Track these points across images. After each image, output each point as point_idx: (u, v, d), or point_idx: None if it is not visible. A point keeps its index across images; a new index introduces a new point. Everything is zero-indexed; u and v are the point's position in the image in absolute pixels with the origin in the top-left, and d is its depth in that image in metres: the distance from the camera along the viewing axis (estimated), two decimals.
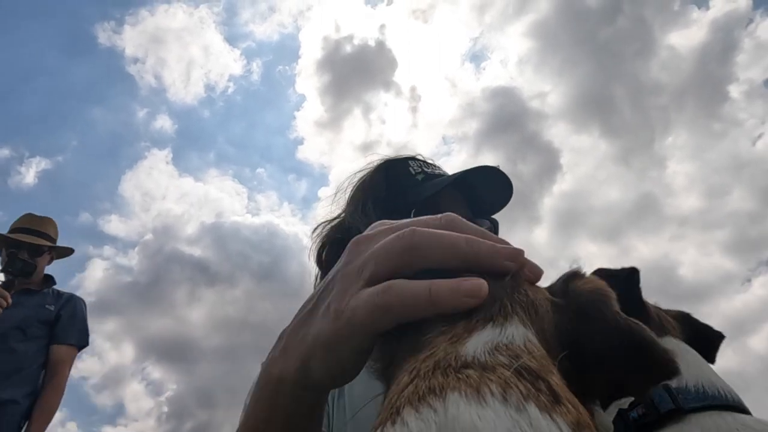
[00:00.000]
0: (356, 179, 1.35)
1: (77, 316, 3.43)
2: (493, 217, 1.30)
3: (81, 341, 3.46)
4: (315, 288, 1.25)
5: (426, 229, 0.55)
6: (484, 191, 1.26)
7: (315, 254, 1.25)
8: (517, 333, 0.54)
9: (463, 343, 0.53)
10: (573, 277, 0.65)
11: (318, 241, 1.27)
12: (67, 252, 3.71)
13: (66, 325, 3.36)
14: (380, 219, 1.16)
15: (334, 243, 1.23)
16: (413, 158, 1.35)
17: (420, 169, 1.29)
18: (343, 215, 1.28)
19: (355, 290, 0.51)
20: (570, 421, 0.43)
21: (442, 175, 1.31)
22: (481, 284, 0.55)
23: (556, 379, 0.48)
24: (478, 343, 0.52)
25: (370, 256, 0.52)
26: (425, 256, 0.54)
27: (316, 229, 1.29)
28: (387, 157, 1.37)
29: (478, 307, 0.58)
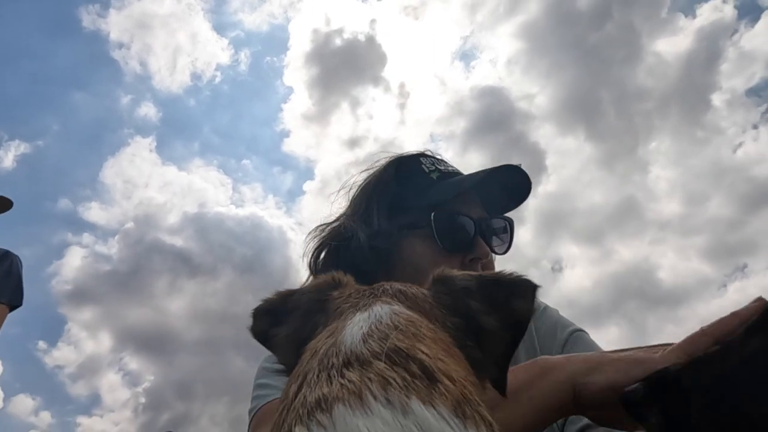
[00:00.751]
0: (362, 178, 1.25)
1: (12, 274, 3.06)
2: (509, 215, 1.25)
3: (13, 300, 3.10)
4: (302, 286, 1.18)
5: None
6: (503, 192, 1.20)
7: (309, 256, 1.21)
8: (382, 311, 0.59)
9: (340, 336, 0.55)
10: (437, 272, 0.71)
11: (314, 243, 1.21)
12: (5, 205, 3.19)
13: None
14: (386, 221, 1.15)
15: (329, 249, 1.18)
16: (424, 155, 1.27)
17: (433, 167, 1.22)
18: (341, 219, 1.22)
19: None
20: (450, 402, 0.47)
21: (456, 173, 1.24)
22: None
23: (425, 349, 0.52)
24: (353, 332, 0.55)
25: None
26: None
27: (314, 230, 1.23)
28: (397, 154, 1.27)
29: (346, 305, 0.64)
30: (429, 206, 1.14)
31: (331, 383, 0.48)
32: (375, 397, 0.45)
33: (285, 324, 0.70)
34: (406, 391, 0.45)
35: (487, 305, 0.64)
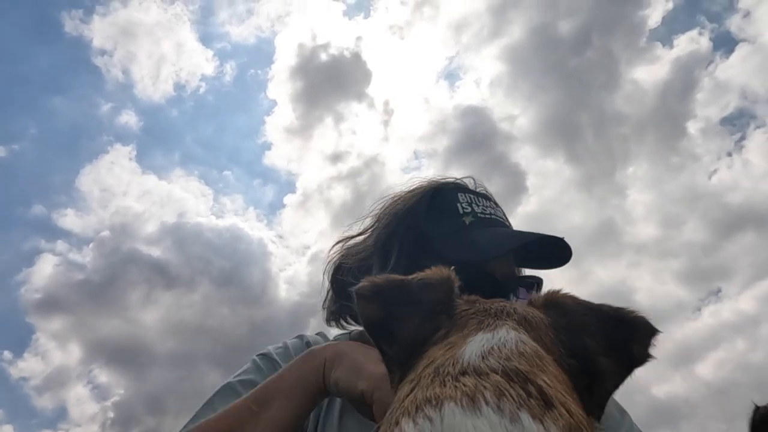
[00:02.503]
0: (390, 202, 1.16)
1: None
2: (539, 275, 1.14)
3: None
4: (324, 302, 1.15)
5: None
6: (540, 260, 1.10)
7: (330, 272, 1.16)
8: (509, 336, 0.58)
9: (460, 349, 0.55)
10: (552, 293, 0.70)
11: (335, 259, 1.16)
12: None
13: None
14: (404, 264, 1.06)
15: (347, 270, 1.11)
16: (464, 189, 1.14)
17: (470, 208, 1.09)
18: (365, 237, 1.15)
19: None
20: (562, 426, 0.46)
21: (492, 219, 1.10)
22: None
23: (547, 380, 0.51)
24: (473, 348, 0.55)
25: None
26: None
27: (338, 243, 1.18)
28: (436, 182, 1.16)
29: (471, 320, 0.63)
30: (451, 260, 0.97)
31: (445, 385, 0.49)
32: (487, 402, 0.45)
33: (405, 319, 0.67)
34: (519, 405, 0.45)
35: (605, 346, 0.62)
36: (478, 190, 1.17)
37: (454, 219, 1.07)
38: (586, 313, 0.65)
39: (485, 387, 0.47)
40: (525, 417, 0.44)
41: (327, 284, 1.17)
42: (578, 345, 0.62)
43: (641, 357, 0.63)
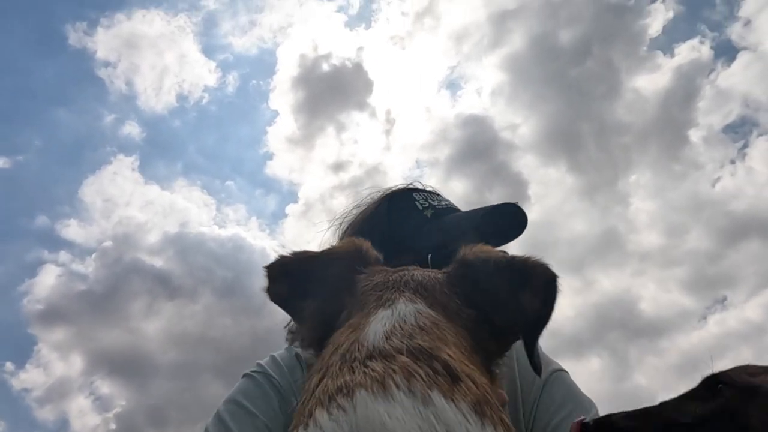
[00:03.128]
0: (353, 215, 1.22)
1: None
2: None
3: None
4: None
5: None
6: (501, 229, 1.17)
7: None
8: (407, 309, 0.59)
9: (363, 332, 0.56)
10: (464, 251, 0.72)
11: None
12: None
13: None
14: (383, 260, 1.06)
15: None
16: (416, 189, 1.23)
17: (427, 203, 1.18)
18: None
19: None
20: (471, 401, 0.47)
21: (450, 208, 1.21)
22: None
23: (450, 352, 0.52)
24: (376, 329, 0.56)
25: None
26: None
27: None
28: (389, 189, 1.24)
29: (370, 296, 0.64)
30: (425, 248, 1.09)
31: (354, 372, 0.49)
32: (398, 386, 0.46)
33: (310, 297, 0.68)
34: (429, 385, 0.46)
35: (501, 299, 0.63)
36: (427, 189, 1.25)
37: (416, 214, 1.16)
38: (484, 264, 0.66)
39: (394, 370, 0.47)
40: (436, 396, 0.46)
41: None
42: (474, 296, 0.64)
43: (532, 309, 0.64)
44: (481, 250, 0.69)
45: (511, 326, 0.64)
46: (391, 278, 0.66)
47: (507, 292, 0.63)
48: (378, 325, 0.55)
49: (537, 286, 0.63)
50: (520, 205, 1.16)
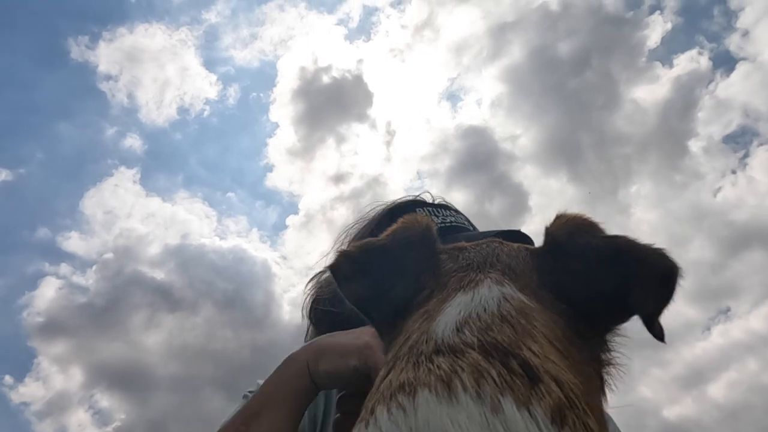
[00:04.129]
0: (354, 229, 1.20)
1: None
2: None
3: None
4: (305, 340, 1.08)
5: None
6: None
7: (307, 308, 1.17)
8: (490, 295, 0.52)
9: (434, 321, 0.50)
10: (553, 222, 0.62)
11: (310, 294, 1.17)
12: None
13: None
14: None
15: (325, 300, 1.12)
16: (422, 203, 1.19)
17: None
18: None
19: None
20: (549, 406, 0.40)
21: (456, 226, 1.15)
22: None
23: (533, 347, 0.45)
24: (448, 318, 0.50)
25: None
26: None
27: (310, 281, 1.19)
28: (392, 203, 1.21)
29: (447, 272, 0.58)
30: None
31: (418, 368, 0.44)
32: (465, 389, 0.40)
33: (392, 288, 0.61)
34: (501, 388, 0.40)
35: (601, 289, 0.54)
36: (436, 201, 1.20)
37: None
38: (582, 250, 0.57)
39: (462, 368, 0.42)
40: (508, 404, 0.40)
41: (306, 321, 1.17)
42: (570, 288, 0.55)
43: (641, 308, 0.54)
44: (578, 225, 0.59)
45: (614, 325, 0.56)
46: (476, 258, 0.60)
47: (611, 286, 0.54)
48: (451, 314, 0.50)
49: (651, 279, 0.53)
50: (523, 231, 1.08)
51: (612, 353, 0.58)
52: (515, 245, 0.63)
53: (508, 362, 0.43)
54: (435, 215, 1.14)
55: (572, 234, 0.59)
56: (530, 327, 0.48)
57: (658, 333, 0.55)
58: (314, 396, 0.83)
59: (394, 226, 0.67)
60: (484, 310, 0.50)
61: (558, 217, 0.62)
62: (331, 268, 0.65)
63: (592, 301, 0.54)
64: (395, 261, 0.63)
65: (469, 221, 1.18)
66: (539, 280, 0.56)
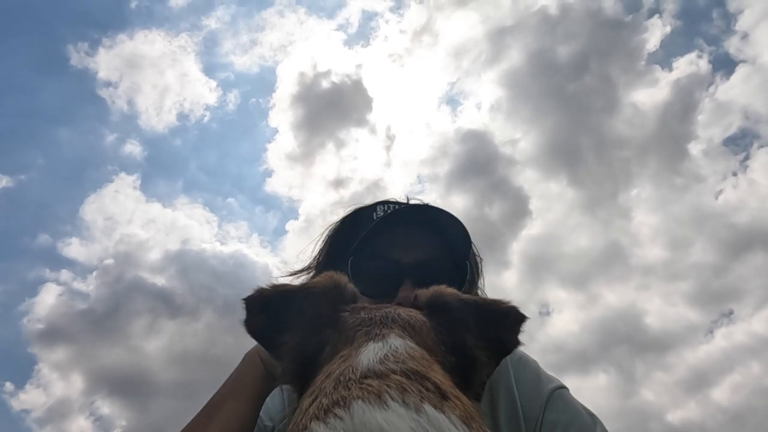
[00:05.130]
0: (326, 232, 1.26)
1: None
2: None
3: None
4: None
5: None
6: (409, 233, 1.13)
7: None
8: (397, 343, 0.62)
9: (355, 360, 0.58)
10: (435, 292, 0.79)
11: None
12: None
13: None
14: (329, 268, 1.06)
15: None
16: (387, 201, 1.23)
17: (383, 213, 1.17)
18: (308, 268, 1.23)
19: None
20: (459, 414, 0.50)
21: (398, 210, 1.17)
22: None
23: (439, 377, 0.56)
24: (370, 355, 0.58)
25: None
26: None
27: (288, 275, 1.24)
28: (356, 206, 1.27)
29: (358, 331, 0.66)
30: (349, 252, 1.11)
31: (350, 389, 0.51)
32: (393, 398, 0.48)
33: (289, 331, 0.69)
34: (421, 399, 0.49)
35: (481, 339, 0.71)
36: (411, 202, 1.24)
37: (367, 223, 1.16)
38: (464, 309, 0.73)
39: (389, 386, 0.50)
40: (428, 407, 0.48)
41: None
42: (458, 342, 0.69)
43: (512, 344, 0.75)
44: (454, 293, 0.77)
45: (490, 362, 0.72)
46: (377, 315, 0.69)
47: (490, 334, 0.73)
48: (371, 353, 0.58)
49: (513, 326, 0.75)
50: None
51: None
52: (414, 312, 0.74)
53: (424, 383, 0.52)
54: (394, 209, 1.18)
55: (456, 297, 0.77)
56: (432, 365, 0.59)
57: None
58: (272, 382, 0.88)
59: (317, 279, 0.76)
60: (397, 351, 0.59)
61: (439, 290, 0.79)
62: (245, 299, 0.72)
63: (473, 346, 0.71)
64: (297, 307, 0.71)
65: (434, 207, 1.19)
66: (435, 338, 0.68)
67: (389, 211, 1.18)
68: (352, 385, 0.52)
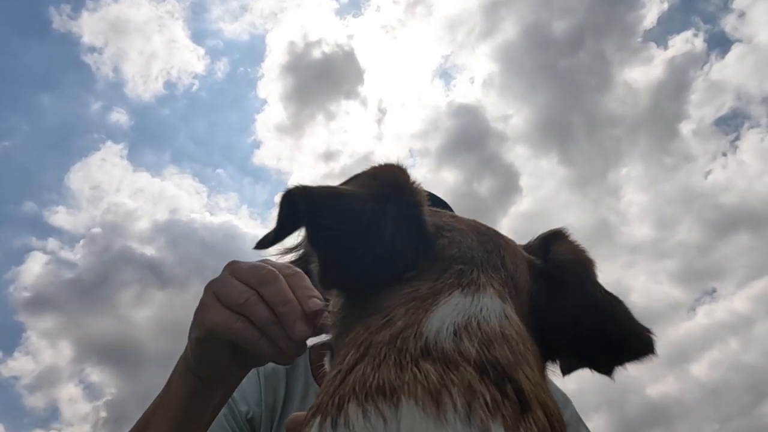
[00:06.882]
0: None
1: None
2: None
3: None
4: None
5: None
6: None
7: None
8: (492, 307, 0.47)
9: (427, 314, 0.45)
10: (554, 238, 0.61)
11: None
12: None
13: None
14: None
15: None
16: None
17: None
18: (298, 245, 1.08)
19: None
20: None
21: None
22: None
23: (527, 373, 0.42)
24: (445, 316, 0.44)
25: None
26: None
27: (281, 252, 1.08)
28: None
29: (447, 258, 0.52)
30: None
31: (402, 371, 0.40)
32: (455, 407, 0.37)
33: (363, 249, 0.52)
34: (492, 414, 0.37)
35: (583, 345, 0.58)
36: None
37: None
38: (585, 305, 0.57)
39: (453, 383, 0.39)
40: (497, 430, 0.37)
41: None
42: (558, 331, 0.56)
43: (608, 371, 0.59)
44: (585, 267, 0.59)
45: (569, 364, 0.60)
46: (478, 248, 0.54)
47: (591, 343, 0.58)
48: (448, 313, 0.45)
49: (632, 354, 0.60)
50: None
51: None
52: (518, 249, 0.59)
53: (502, 386, 0.40)
54: None
55: (578, 278, 0.58)
56: (527, 352, 0.45)
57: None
58: (204, 389, 0.71)
59: (370, 170, 0.57)
60: (487, 322, 0.45)
61: (562, 240, 0.60)
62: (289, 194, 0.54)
63: (563, 349, 0.57)
64: (359, 209, 0.52)
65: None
66: (530, 309, 0.54)
67: None
68: (406, 365, 0.40)
